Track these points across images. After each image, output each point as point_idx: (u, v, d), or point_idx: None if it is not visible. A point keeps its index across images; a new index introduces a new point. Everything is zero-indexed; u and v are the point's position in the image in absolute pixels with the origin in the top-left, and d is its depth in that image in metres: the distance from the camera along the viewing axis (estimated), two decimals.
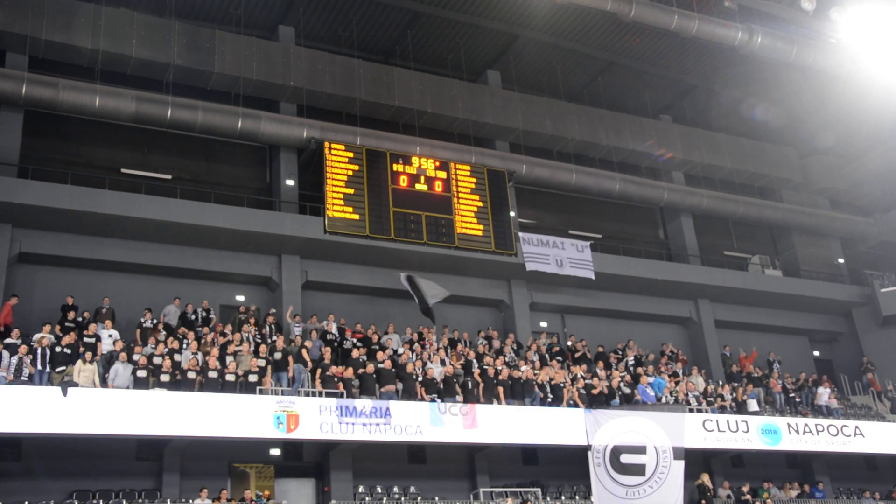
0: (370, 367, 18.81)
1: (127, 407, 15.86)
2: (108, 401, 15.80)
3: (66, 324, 18.07)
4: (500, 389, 19.91)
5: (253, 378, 17.59)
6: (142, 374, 16.73)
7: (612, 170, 28.21)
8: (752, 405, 23.53)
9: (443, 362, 20.67)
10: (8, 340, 16.80)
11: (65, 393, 15.28)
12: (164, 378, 16.78)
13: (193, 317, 19.82)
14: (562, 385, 20.91)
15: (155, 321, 19.12)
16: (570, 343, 24.59)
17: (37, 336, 16.91)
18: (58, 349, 16.52)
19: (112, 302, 19.32)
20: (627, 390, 21.80)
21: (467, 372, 20.53)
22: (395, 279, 22.63)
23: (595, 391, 21.09)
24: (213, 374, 17.20)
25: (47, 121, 21.53)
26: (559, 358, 23.21)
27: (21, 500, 16.08)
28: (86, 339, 17.32)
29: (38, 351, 16.16)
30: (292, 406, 17.20)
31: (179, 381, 16.93)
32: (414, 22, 26.28)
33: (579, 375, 21.74)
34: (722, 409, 22.73)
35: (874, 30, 22.42)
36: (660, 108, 31.48)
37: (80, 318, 18.34)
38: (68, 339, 16.87)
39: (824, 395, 25.28)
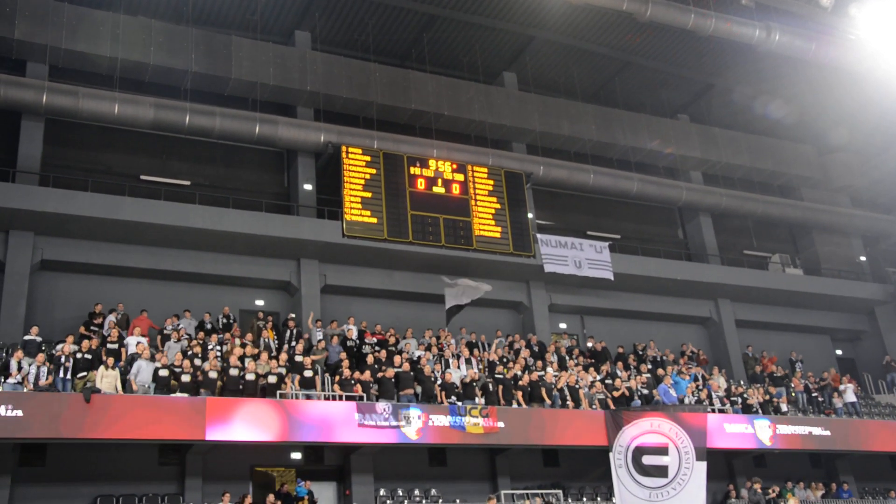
0: (389, 372, 18.80)
1: (149, 412, 15.96)
2: (130, 406, 15.90)
3: (92, 328, 18.24)
4: (519, 394, 19.87)
5: (273, 379, 17.63)
6: (164, 372, 16.80)
7: (630, 170, 28.12)
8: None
9: (468, 363, 20.63)
10: (27, 337, 16.95)
11: (87, 399, 15.38)
12: (185, 378, 16.83)
13: (210, 326, 19.87)
14: (581, 386, 20.85)
15: (178, 325, 19.20)
16: (589, 344, 24.51)
17: (60, 346, 17.01)
18: (79, 355, 16.61)
19: (132, 308, 19.43)
20: (646, 391, 21.69)
21: (488, 374, 20.52)
22: (414, 284, 22.74)
23: (617, 393, 21.01)
24: (234, 372, 17.25)
25: (67, 129, 21.73)
26: (578, 360, 23.12)
27: None
28: (109, 346, 17.41)
29: (62, 359, 16.23)
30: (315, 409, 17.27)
31: (201, 382, 17.00)
32: (429, 25, 26.30)
33: (599, 379, 21.66)
34: (746, 410, 22.57)
35: (894, 25, 22.21)
36: (677, 108, 31.35)
37: (105, 326, 18.45)
38: (88, 343, 16.95)
39: (849, 391, 25.02)
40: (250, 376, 17.46)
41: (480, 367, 20.99)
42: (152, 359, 17.17)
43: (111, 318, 18.86)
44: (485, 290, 21.77)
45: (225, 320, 20.19)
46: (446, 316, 21.91)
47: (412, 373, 19.24)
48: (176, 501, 17.09)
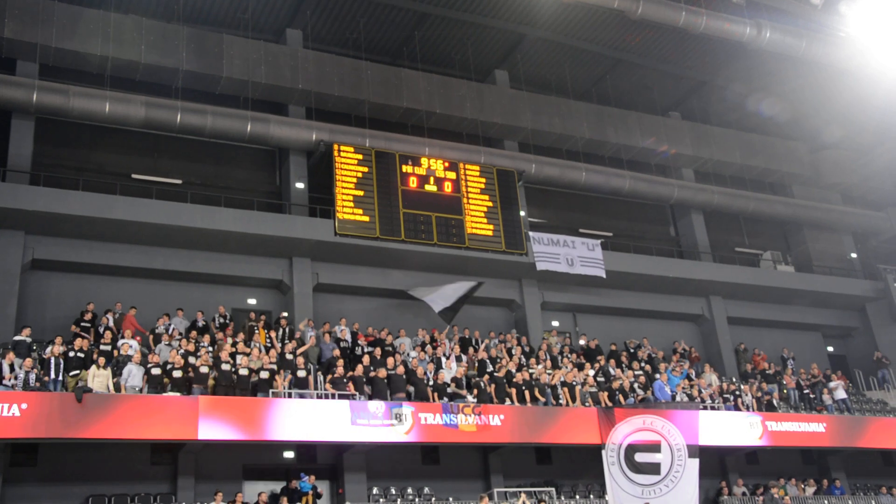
0: (381, 373, 18.79)
1: (141, 411, 15.92)
2: (122, 405, 15.86)
3: (83, 323, 18.19)
4: (513, 391, 19.89)
5: (265, 375, 17.59)
6: (156, 371, 16.73)
7: (622, 168, 28.16)
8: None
9: (459, 359, 20.64)
10: (17, 338, 16.91)
11: (79, 399, 15.33)
12: (177, 374, 16.79)
13: (203, 324, 19.80)
14: (574, 384, 20.90)
15: (170, 326, 19.14)
16: (582, 342, 24.54)
17: (49, 348, 16.92)
18: (71, 354, 16.54)
19: (125, 307, 19.37)
20: (641, 392, 21.70)
21: (480, 373, 20.53)
22: (407, 282, 22.77)
23: (606, 394, 21.03)
24: (225, 367, 17.21)
25: (58, 128, 21.66)
26: (570, 357, 23.15)
27: None
28: (102, 347, 17.34)
29: (52, 361, 16.15)
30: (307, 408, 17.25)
31: (193, 378, 16.96)
32: (421, 23, 26.28)
33: (590, 375, 21.71)
34: (738, 406, 22.64)
35: (883, 23, 22.31)
36: (669, 106, 31.40)
37: (99, 326, 18.37)
38: (80, 342, 16.89)
39: (839, 387, 25.12)
40: (243, 371, 17.43)
41: (473, 364, 21.00)
42: (143, 361, 17.06)
43: (108, 317, 18.77)
44: (470, 286, 21.84)
45: (222, 320, 20.13)
46: (445, 318, 21.97)
47: (405, 375, 19.20)
48: (168, 501, 17.04)
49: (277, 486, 18.17)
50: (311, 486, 17.50)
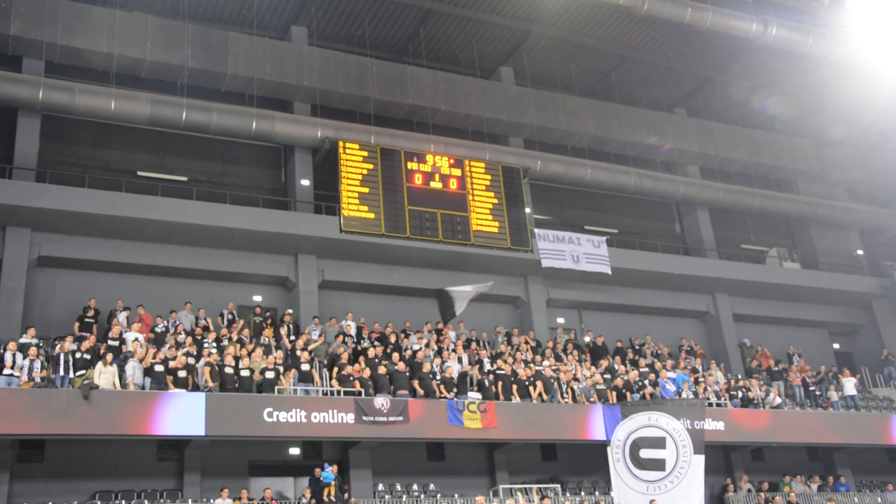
0: (381, 369, 18.79)
1: (148, 407, 15.96)
2: (128, 402, 15.90)
3: (87, 319, 18.25)
4: (515, 388, 19.89)
5: (270, 375, 17.62)
6: (159, 368, 16.76)
7: (627, 164, 28.12)
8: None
9: (461, 360, 20.65)
10: (23, 340, 16.95)
11: (86, 396, 15.38)
12: (182, 374, 16.83)
13: (205, 322, 19.79)
14: (576, 381, 20.88)
15: (177, 323, 19.17)
16: (587, 339, 24.52)
17: (59, 344, 16.96)
18: (78, 355, 16.55)
19: (130, 304, 19.40)
20: (650, 388, 21.65)
21: (480, 370, 20.53)
22: (412, 279, 22.80)
23: (612, 392, 21.02)
24: (228, 370, 17.27)
25: (64, 125, 21.71)
26: (573, 354, 23.14)
27: (44, 500, 16.25)
28: (110, 342, 17.37)
29: (61, 357, 16.19)
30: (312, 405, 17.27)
31: (197, 378, 16.98)
32: (426, 20, 26.26)
33: (597, 372, 21.70)
34: (744, 403, 22.60)
35: (890, 19, 22.23)
36: (674, 102, 31.34)
37: (104, 322, 18.41)
38: (88, 343, 16.93)
39: (849, 384, 25.03)
40: (245, 372, 17.45)
41: (477, 363, 21.00)
42: (145, 358, 17.10)
43: (122, 315, 18.79)
44: (488, 285, 21.68)
45: (230, 317, 20.17)
46: (445, 316, 21.91)
47: (408, 371, 19.20)
48: (175, 497, 17.11)
49: (283, 483, 18.22)
50: (334, 476, 17.49)
